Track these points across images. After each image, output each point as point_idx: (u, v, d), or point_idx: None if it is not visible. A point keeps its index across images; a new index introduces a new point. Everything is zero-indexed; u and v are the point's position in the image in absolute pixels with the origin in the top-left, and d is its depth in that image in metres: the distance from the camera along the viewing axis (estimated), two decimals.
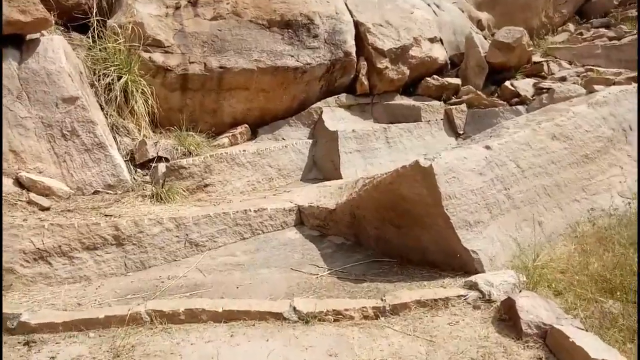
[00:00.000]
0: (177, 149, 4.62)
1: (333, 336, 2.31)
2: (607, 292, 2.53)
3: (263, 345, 2.25)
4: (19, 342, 2.35)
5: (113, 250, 3.21)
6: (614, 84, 5.61)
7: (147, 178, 4.33)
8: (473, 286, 2.59)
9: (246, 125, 5.44)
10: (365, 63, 5.82)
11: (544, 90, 5.98)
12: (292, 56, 5.29)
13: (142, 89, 4.67)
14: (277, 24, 5.32)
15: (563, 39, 8.06)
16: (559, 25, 8.90)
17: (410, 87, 6.38)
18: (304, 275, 3.14)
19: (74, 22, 4.82)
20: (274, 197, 4.37)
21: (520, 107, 5.85)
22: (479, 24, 7.85)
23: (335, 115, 5.63)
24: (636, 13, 8.27)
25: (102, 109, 4.45)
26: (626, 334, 2.17)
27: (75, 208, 3.48)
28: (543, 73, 6.58)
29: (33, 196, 3.42)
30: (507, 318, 2.30)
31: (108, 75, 4.55)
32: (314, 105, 5.65)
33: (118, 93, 4.53)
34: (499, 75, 6.48)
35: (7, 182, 3.46)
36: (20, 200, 3.34)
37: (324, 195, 4.14)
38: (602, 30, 7.98)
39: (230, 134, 5.24)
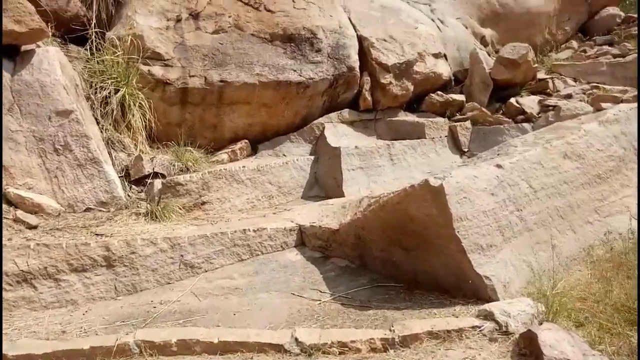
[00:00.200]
0: (174, 165, 4.46)
1: None
2: (633, 324, 2.35)
3: None
4: None
5: (103, 272, 3.02)
6: (621, 101, 5.50)
7: (142, 195, 4.16)
8: (488, 316, 2.40)
9: (246, 141, 5.29)
10: (369, 78, 5.71)
11: (550, 108, 5.86)
12: (295, 70, 5.18)
13: (139, 103, 4.53)
14: (280, 38, 5.22)
15: (567, 56, 7.99)
16: (562, 43, 8.86)
17: (414, 103, 6.26)
18: (306, 300, 2.95)
19: (72, 34, 4.71)
20: (274, 216, 4.20)
21: (526, 125, 5.73)
22: (482, 40, 7.79)
23: (337, 131, 5.49)
24: None
25: (97, 122, 4.31)
26: None
27: (64, 226, 3.31)
28: (548, 90, 6.48)
29: (20, 213, 3.25)
30: (528, 353, 2.12)
31: (105, 88, 4.42)
32: (316, 121, 5.51)
33: (115, 106, 4.39)
34: (503, 92, 6.38)
35: None
36: (7, 218, 3.17)
37: (327, 215, 3.96)
38: (606, 48, 7.92)
39: (230, 150, 5.09)
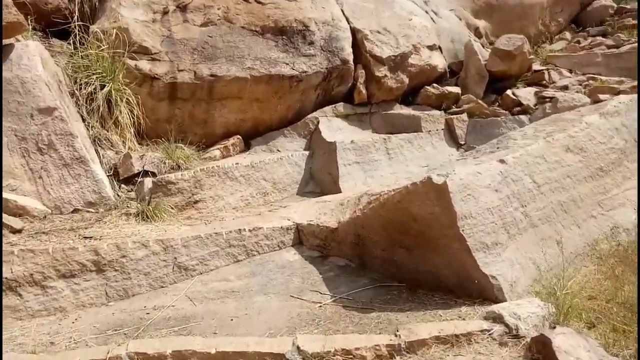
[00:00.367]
0: (164, 163, 4.30)
1: None
2: None
3: None
4: None
5: (92, 278, 2.87)
6: (619, 92, 5.44)
7: (132, 194, 4.00)
8: (497, 319, 2.31)
9: (239, 137, 5.14)
10: (363, 71, 5.58)
11: (547, 100, 5.79)
12: (287, 64, 5.03)
13: (127, 99, 4.36)
14: (271, 31, 5.06)
15: (560, 47, 7.93)
16: (555, 34, 8.79)
17: (409, 96, 6.15)
18: (306, 303, 2.84)
19: (53, 28, 4.51)
20: (269, 214, 4.07)
21: (522, 117, 5.66)
22: (476, 32, 7.69)
23: (332, 126, 5.36)
24: (633, 21, 8.19)
25: (83, 120, 4.14)
26: None
27: (51, 229, 3.15)
28: (544, 82, 6.40)
29: (4, 217, 3.08)
30: (541, 358, 2.03)
31: (90, 84, 4.24)
32: (310, 115, 5.36)
33: (101, 103, 4.22)
34: (499, 84, 6.29)
35: None
36: None
37: (324, 212, 3.85)
38: (600, 39, 7.87)
39: (222, 146, 4.94)
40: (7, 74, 3.45)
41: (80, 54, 4.35)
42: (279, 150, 5.16)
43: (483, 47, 7.06)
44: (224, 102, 4.92)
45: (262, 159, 4.70)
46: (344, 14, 5.70)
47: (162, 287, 3.08)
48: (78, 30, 4.46)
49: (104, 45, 4.33)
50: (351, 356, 2.15)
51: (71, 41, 4.46)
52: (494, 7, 8.16)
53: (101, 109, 4.22)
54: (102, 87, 4.25)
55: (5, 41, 3.57)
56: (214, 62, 4.75)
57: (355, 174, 4.85)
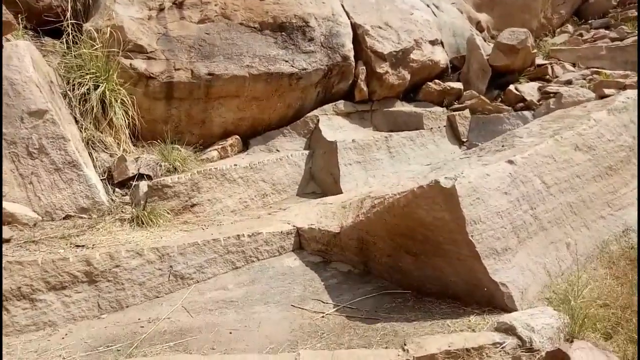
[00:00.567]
0: (160, 165, 4.17)
1: None
2: None
3: None
4: None
5: (84, 289, 2.75)
6: (624, 87, 5.31)
7: (127, 199, 3.88)
8: (509, 330, 2.20)
9: (237, 137, 5.01)
10: (364, 68, 5.44)
11: (551, 95, 5.65)
12: (287, 61, 4.89)
13: (121, 99, 4.23)
14: (270, 27, 4.92)
15: (563, 40, 7.80)
16: (557, 27, 8.66)
17: (410, 93, 6.02)
18: (307, 313, 2.73)
19: (45, 26, 4.38)
20: (269, 217, 3.95)
21: (526, 113, 5.53)
22: (478, 26, 7.54)
23: (332, 124, 5.24)
24: (636, 13, 8.05)
25: (76, 122, 4.01)
26: None
27: (41, 238, 3.03)
28: (547, 76, 6.27)
29: None
30: None
31: (84, 85, 4.11)
32: (310, 114, 5.24)
33: (95, 104, 4.09)
34: (502, 79, 6.16)
35: None
36: None
37: (326, 215, 3.73)
38: (603, 31, 7.74)
39: (220, 147, 4.81)
40: None
41: (73, 53, 4.21)
42: (278, 150, 5.03)
43: (485, 41, 6.93)
44: (222, 101, 4.79)
45: (261, 159, 4.57)
46: (344, 8, 5.56)
47: (158, 297, 2.96)
48: (71, 29, 4.32)
49: (97, 44, 4.19)
50: None
51: (64, 40, 4.33)
52: (496, 0, 8.03)
53: (95, 110, 4.09)
54: (96, 87, 4.11)
55: None
56: (211, 60, 4.62)
57: (356, 173, 4.73)
